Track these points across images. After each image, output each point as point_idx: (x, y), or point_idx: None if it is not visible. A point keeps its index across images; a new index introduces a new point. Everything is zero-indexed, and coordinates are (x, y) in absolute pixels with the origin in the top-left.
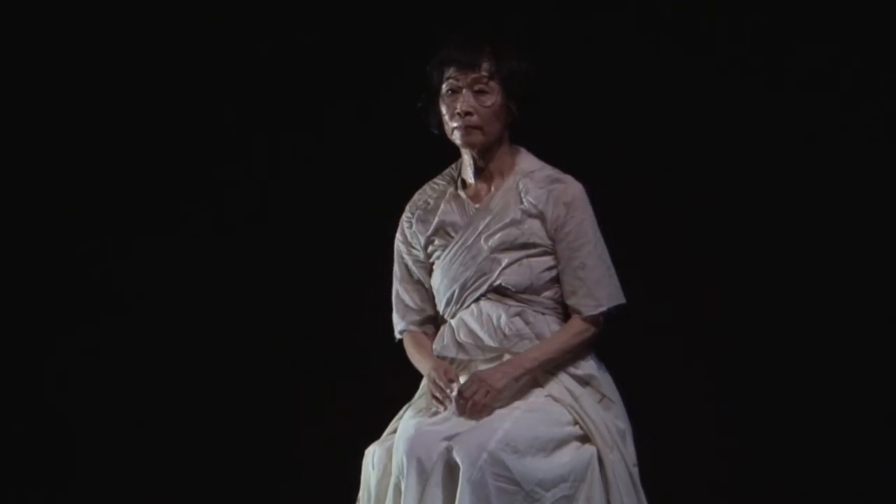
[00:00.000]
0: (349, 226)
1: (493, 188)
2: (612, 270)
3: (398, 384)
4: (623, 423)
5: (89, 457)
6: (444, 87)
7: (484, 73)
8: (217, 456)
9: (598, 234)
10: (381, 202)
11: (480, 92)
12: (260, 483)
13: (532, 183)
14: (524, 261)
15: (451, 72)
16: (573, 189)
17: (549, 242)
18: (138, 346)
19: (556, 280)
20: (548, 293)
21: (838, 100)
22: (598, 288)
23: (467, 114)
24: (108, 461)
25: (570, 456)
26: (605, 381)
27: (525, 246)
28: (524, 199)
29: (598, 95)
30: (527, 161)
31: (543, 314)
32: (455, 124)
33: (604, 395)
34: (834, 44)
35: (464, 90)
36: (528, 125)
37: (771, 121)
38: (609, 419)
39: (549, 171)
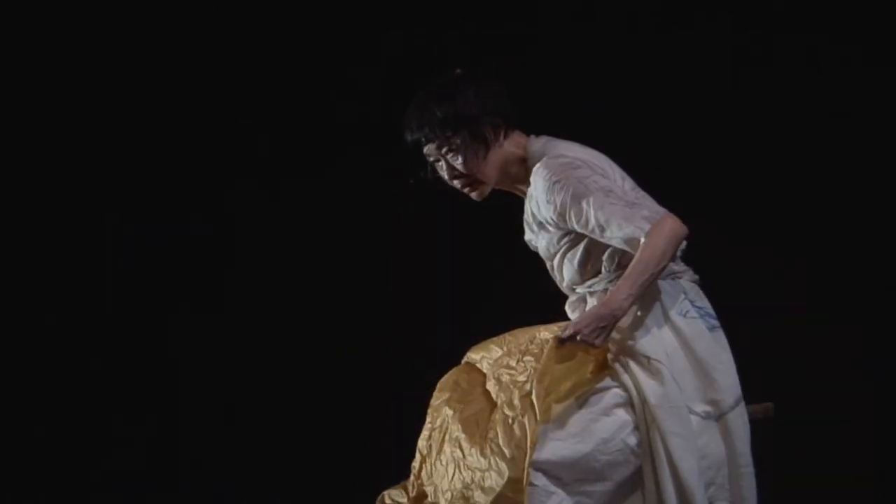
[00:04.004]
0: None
1: (526, 201)
2: (636, 197)
3: None
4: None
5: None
6: (428, 159)
7: (438, 140)
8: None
9: (595, 184)
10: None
11: (450, 153)
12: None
13: (533, 188)
14: (565, 259)
15: (421, 149)
16: (539, 178)
17: (566, 230)
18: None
19: (589, 258)
20: (591, 271)
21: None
22: (626, 222)
23: (455, 178)
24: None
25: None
26: (651, 341)
27: (557, 247)
28: (534, 210)
29: (597, 94)
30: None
31: (604, 291)
32: (458, 188)
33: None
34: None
35: (441, 160)
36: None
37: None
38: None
39: (535, 167)
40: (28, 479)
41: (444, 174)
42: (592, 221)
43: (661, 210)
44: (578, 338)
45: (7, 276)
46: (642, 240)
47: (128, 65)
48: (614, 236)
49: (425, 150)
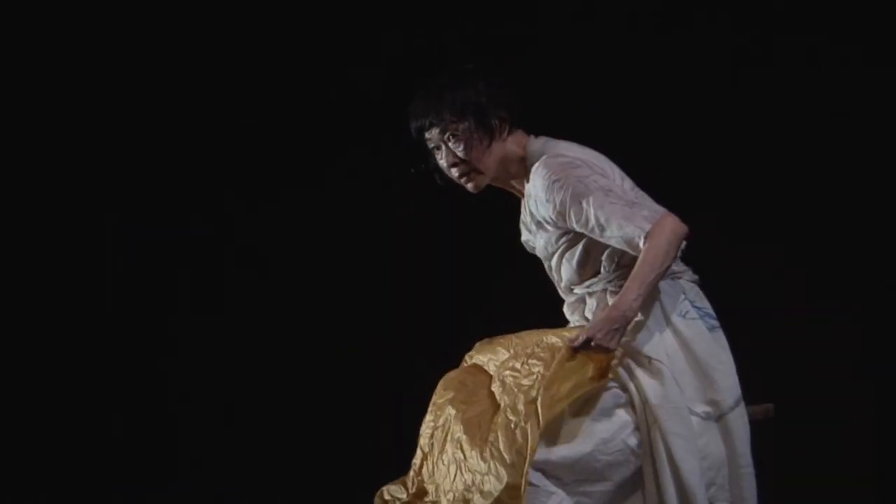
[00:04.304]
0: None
1: (523, 202)
2: (637, 197)
3: None
4: (671, 389)
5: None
6: (429, 146)
7: (443, 124)
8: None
9: (595, 183)
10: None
11: (453, 138)
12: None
13: (532, 187)
14: (563, 260)
15: (423, 135)
16: (538, 177)
17: (565, 229)
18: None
19: (588, 257)
20: (589, 271)
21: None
22: (627, 222)
23: (454, 165)
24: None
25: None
26: (651, 342)
27: (555, 247)
28: (532, 209)
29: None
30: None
31: (603, 291)
32: (455, 177)
33: (651, 358)
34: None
35: (441, 146)
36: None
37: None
38: (655, 386)
39: (534, 166)
40: (28, 479)
41: (444, 162)
42: (592, 220)
43: (661, 209)
44: (593, 343)
45: (7, 277)
46: (642, 240)
47: (128, 65)
48: (614, 236)
49: (427, 135)
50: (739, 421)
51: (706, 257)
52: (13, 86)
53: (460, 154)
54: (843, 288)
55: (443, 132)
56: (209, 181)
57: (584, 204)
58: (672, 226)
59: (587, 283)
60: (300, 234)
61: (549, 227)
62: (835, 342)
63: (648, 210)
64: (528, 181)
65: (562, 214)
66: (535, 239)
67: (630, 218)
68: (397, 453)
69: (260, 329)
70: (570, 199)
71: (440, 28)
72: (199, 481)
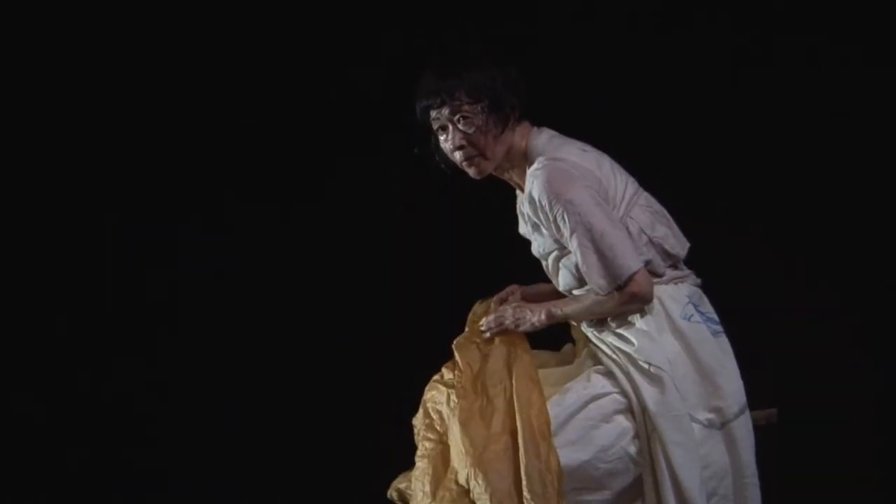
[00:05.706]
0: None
1: (519, 194)
2: (612, 246)
3: None
4: (672, 396)
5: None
6: (434, 126)
7: (454, 104)
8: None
9: (582, 216)
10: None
11: (462, 120)
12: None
13: (530, 187)
14: (560, 264)
15: (430, 113)
16: (538, 185)
17: (556, 235)
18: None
19: None
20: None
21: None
22: (595, 274)
23: (460, 147)
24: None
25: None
26: (652, 347)
27: (550, 249)
28: (528, 210)
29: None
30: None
31: None
32: (457, 160)
33: (650, 365)
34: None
35: (449, 126)
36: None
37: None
38: (656, 394)
39: (533, 166)
40: (28, 479)
41: (448, 144)
42: (577, 256)
43: (639, 265)
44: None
45: (7, 277)
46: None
47: (128, 65)
48: (590, 280)
49: (434, 114)
50: (744, 429)
51: (706, 258)
52: (13, 86)
53: (470, 135)
54: (843, 288)
55: (453, 112)
56: (209, 181)
57: (568, 233)
58: (640, 292)
59: (587, 287)
60: (300, 234)
61: (543, 230)
62: (835, 342)
63: (631, 263)
64: (528, 169)
65: (551, 226)
66: (532, 238)
67: (604, 272)
68: (397, 454)
69: (260, 329)
70: (560, 222)
71: (440, 28)
72: (199, 481)
